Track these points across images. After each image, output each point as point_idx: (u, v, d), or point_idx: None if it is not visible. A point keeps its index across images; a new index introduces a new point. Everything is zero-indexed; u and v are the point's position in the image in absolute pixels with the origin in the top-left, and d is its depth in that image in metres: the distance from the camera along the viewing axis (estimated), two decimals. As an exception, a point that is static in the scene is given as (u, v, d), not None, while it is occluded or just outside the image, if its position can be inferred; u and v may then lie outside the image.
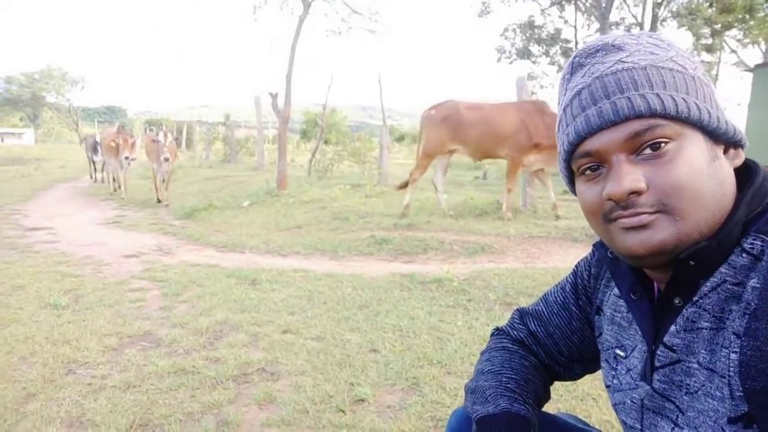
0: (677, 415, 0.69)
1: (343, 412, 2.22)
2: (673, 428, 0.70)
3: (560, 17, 19.57)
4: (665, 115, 0.64)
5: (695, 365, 0.66)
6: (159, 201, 9.77)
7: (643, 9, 17.99)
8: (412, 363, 2.66)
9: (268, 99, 10.42)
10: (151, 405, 2.27)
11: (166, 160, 9.15)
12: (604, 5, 16.05)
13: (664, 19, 17.82)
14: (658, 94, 0.64)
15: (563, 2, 19.00)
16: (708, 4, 15.32)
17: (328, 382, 2.47)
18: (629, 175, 0.65)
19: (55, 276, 4.37)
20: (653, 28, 17.25)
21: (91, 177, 14.82)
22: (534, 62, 20.25)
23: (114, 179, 11.91)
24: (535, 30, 19.73)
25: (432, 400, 2.30)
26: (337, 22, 11.03)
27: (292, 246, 5.65)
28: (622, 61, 0.67)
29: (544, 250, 5.31)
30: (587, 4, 18.07)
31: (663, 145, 0.65)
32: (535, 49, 20.05)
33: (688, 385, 0.67)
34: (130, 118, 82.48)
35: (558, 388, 2.37)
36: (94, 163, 14.62)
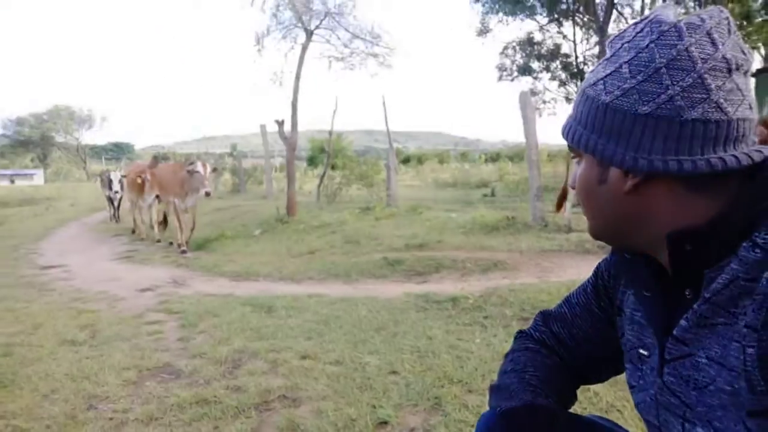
0: (684, 411, 0.69)
1: (367, 435, 2.20)
2: (683, 424, 0.69)
3: (559, 33, 19.77)
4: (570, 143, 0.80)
5: (704, 360, 0.66)
6: (184, 251, 7.82)
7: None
8: (433, 383, 2.64)
9: (274, 127, 10.54)
10: (175, 437, 2.26)
11: (208, 194, 7.73)
12: (602, 19, 16.22)
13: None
14: (570, 126, 0.79)
15: (561, 18, 19.21)
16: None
17: (350, 406, 2.45)
18: (571, 175, 0.85)
19: (71, 312, 4.40)
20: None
21: (112, 218, 13.63)
22: (535, 78, 20.39)
23: (139, 220, 10.20)
24: (535, 47, 19.91)
25: (455, 419, 2.28)
26: (339, 47, 11.19)
27: (305, 272, 5.67)
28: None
29: (557, 263, 5.28)
30: (585, 19, 18.26)
31: (577, 160, 0.81)
32: (535, 65, 20.21)
33: (696, 380, 0.67)
34: (137, 152, 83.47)
35: (581, 400, 2.35)
36: (111, 201, 13.72)
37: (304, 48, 10.56)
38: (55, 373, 3.03)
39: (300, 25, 10.63)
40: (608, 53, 0.74)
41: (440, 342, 3.22)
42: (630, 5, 18.10)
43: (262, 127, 14.81)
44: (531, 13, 18.92)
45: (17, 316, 4.32)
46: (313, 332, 3.56)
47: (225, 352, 3.23)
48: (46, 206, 20.07)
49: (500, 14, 18.82)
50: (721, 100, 0.64)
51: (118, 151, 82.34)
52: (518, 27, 19.64)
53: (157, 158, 11.72)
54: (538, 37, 19.82)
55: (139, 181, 9.22)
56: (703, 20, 0.65)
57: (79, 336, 3.67)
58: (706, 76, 0.64)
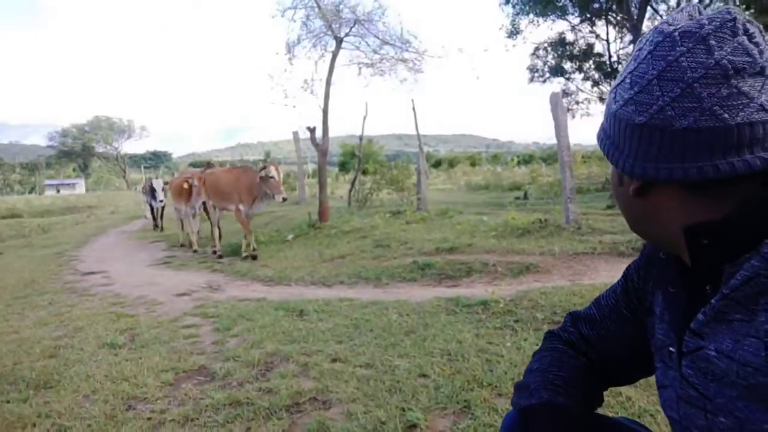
0: (705, 403, 0.69)
1: (396, 438, 2.22)
2: (705, 415, 0.70)
3: (591, 32, 19.43)
4: None
5: (713, 353, 0.67)
6: (255, 257, 7.54)
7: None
8: (462, 386, 2.64)
9: (306, 134, 10.67)
10: (209, 437, 2.32)
11: (284, 200, 7.40)
12: (636, 17, 15.89)
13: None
14: (599, 134, 0.83)
15: (594, 18, 18.88)
16: (744, 6, 14.95)
17: (380, 409, 2.47)
18: None
19: (111, 317, 4.55)
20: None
21: (155, 227, 13.17)
22: (568, 78, 20.08)
23: (189, 230, 9.45)
24: (567, 47, 19.62)
25: (484, 422, 2.27)
26: (369, 54, 11.25)
27: (336, 276, 5.72)
28: None
29: (590, 266, 5.20)
30: (618, 18, 17.92)
31: None
32: (567, 65, 19.90)
33: (714, 372, 0.67)
34: (174, 161, 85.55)
35: (613, 404, 2.32)
36: (152, 209, 13.23)
37: (334, 55, 10.67)
38: (96, 374, 3.14)
39: (330, 33, 10.74)
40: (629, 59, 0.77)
41: (470, 345, 3.21)
42: (665, 1, 17.66)
43: (295, 133, 15.00)
44: (562, 13, 18.65)
45: (61, 320, 4.50)
46: (343, 336, 3.60)
47: (258, 355, 3.29)
48: (87, 214, 20.80)
49: (531, 15, 18.60)
50: (716, 107, 0.64)
51: (156, 160, 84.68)
52: (549, 27, 19.24)
53: (212, 164, 10.89)
54: (570, 37, 19.51)
55: (186, 186, 8.82)
56: (701, 26, 0.66)
57: (119, 339, 3.79)
58: (695, 85, 0.65)
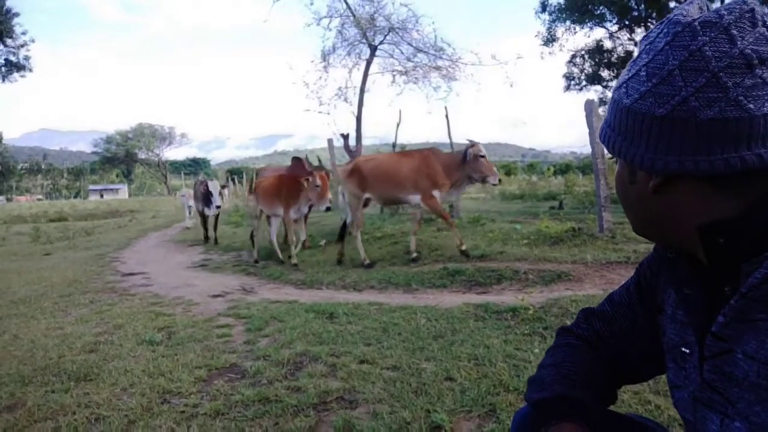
0: (727, 407, 0.67)
1: (420, 438, 2.24)
2: (722, 420, 0.68)
3: (630, 39, 19.10)
4: None
5: (740, 356, 0.65)
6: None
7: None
8: (488, 390, 2.64)
9: (340, 141, 10.81)
10: (239, 431, 2.39)
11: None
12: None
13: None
14: (604, 129, 0.83)
15: (633, 25, 18.57)
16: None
17: (405, 409, 2.50)
18: None
19: (149, 315, 4.70)
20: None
21: (207, 239, 11.02)
22: (605, 86, 19.77)
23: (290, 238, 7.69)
24: (604, 54, 19.34)
25: (509, 426, 2.27)
26: (403, 61, 11.35)
27: (366, 281, 5.77)
28: None
29: (623, 275, 5.10)
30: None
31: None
32: (605, 73, 19.60)
33: (737, 376, 0.66)
34: (213, 168, 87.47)
35: (641, 411, 2.29)
36: (204, 217, 11.01)
37: (369, 63, 10.82)
38: (134, 369, 3.26)
39: (364, 41, 10.88)
40: (635, 55, 0.77)
41: (497, 351, 3.21)
42: (708, 7, 17.24)
43: (329, 141, 15.19)
44: (600, 20, 18.42)
45: (102, 318, 4.67)
46: (372, 338, 3.64)
47: (287, 355, 3.36)
48: (129, 218, 21.46)
49: (567, 22, 18.42)
50: (741, 98, 0.63)
51: (196, 166, 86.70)
52: (586, 35, 18.99)
53: (302, 160, 8.50)
54: (607, 44, 19.24)
55: (308, 182, 7.01)
56: (721, 16, 0.65)
57: (156, 337, 3.92)
58: (721, 74, 0.63)
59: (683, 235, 0.74)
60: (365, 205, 7.24)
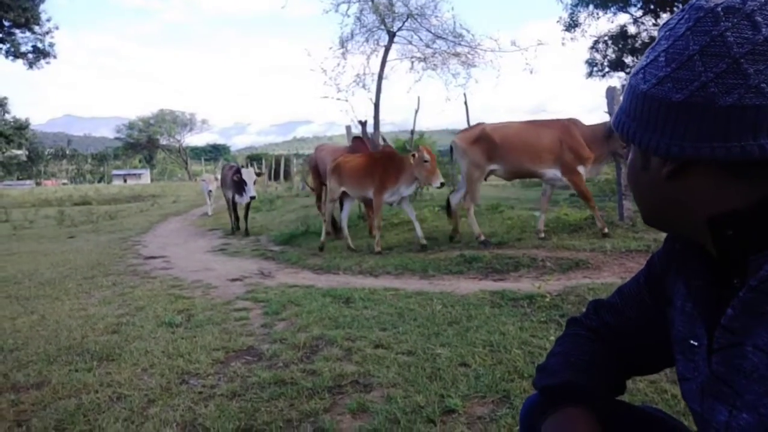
0: (735, 399, 0.67)
1: (433, 422, 2.26)
2: (731, 411, 0.68)
3: (655, 25, 18.66)
4: None
5: (750, 348, 0.65)
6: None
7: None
8: (503, 376, 2.65)
9: (358, 128, 10.79)
10: (255, 412, 2.44)
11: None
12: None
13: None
14: (617, 114, 0.80)
15: (658, 9, 18.13)
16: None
17: (419, 394, 2.52)
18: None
19: (170, 298, 4.79)
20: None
21: (237, 229, 10.14)
22: (628, 73, 19.38)
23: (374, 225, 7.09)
24: (628, 40, 18.94)
25: (523, 412, 2.28)
26: (421, 48, 11.25)
27: (383, 266, 5.79)
28: None
29: (643, 263, 5.02)
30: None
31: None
32: (629, 59, 19.21)
33: (746, 368, 0.65)
34: (232, 154, 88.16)
35: (657, 402, 2.27)
36: (234, 205, 10.02)
37: (387, 49, 10.74)
38: (154, 350, 3.33)
39: (383, 27, 10.80)
40: (654, 42, 0.76)
41: (513, 338, 3.20)
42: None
43: (347, 128, 15.19)
44: (624, 5, 18.02)
45: (124, 300, 4.78)
46: (387, 323, 3.66)
47: (303, 339, 3.40)
48: (151, 203, 21.79)
49: (590, 7, 18.05)
50: (762, 85, 0.61)
51: (216, 152, 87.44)
52: (609, 20, 18.63)
53: (363, 138, 8.19)
54: (632, 30, 18.82)
55: (413, 158, 6.30)
56: (744, 2, 0.64)
57: (176, 319, 4.00)
58: (742, 61, 0.62)
59: (694, 224, 0.73)
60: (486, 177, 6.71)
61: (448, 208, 7.17)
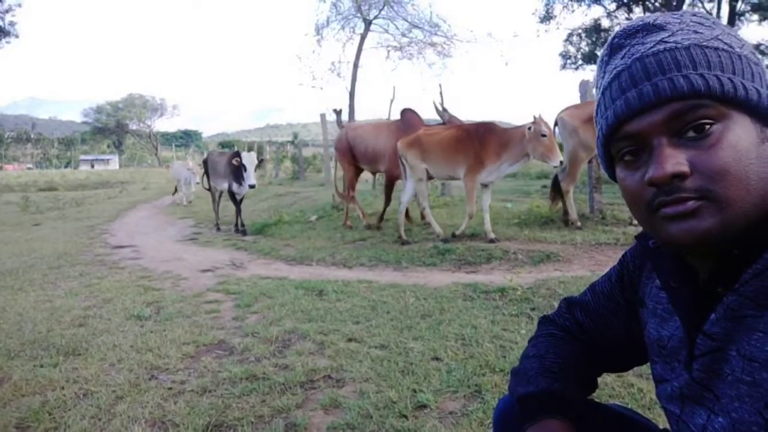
0: (714, 404, 0.67)
1: (405, 417, 2.27)
2: (709, 415, 0.68)
3: (627, 19, 18.92)
4: (710, 95, 0.62)
5: (734, 353, 0.64)
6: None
7: (719, 3, 17.08)
8: (474, 371, 2.67)
9: (333, 116, 10.72)
10: (226, 408, 2.41)
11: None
12: (674, 3, 15.40)
13: (742, 14, 16.85)
14: (702, 74, 0.62)
15: (631, 3, 18.38)
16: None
17: (392, 389, 2.52)
18: (672, 158, 0.63)
19: (138, 290, 4.70)
20: (731, 22, 16.35)
21: (237, 229, 8.51)
22: (601, 66, 19.63)
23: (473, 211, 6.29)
24: (602, 34, 19.17)
25: (494, 406, 2.30)
26: (398, 37, 11.20)
27: (357, 258, 5.78)
28: (663, 42, 0.65)
29: (612, 257, 5.14)
30: (657, 4, 17.40)
31: (707, 126, 0.62)
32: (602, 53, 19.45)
33: (725, 372, 0.65)
34: (204, 141, 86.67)
35: (624, 395, 2.32)
36: (231, 196, 8.60)
37: (363, 38, 10.67)
38: (122, 344, 3.27)
39: (359, 15, 10.71)
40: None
41: (485, 331, 3.24)
42: None
43: (322, 116, 15.06)
44: (598, -2, 18.22)
45: (91, 291, 4.67)
46: (360, 316, 3.66)
47: (276, 332, 3.38)
48: (119, 189, 21.30)
49: (566, 0, 18.20)
50: None
51: (187, 138, 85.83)
52: (584, 13, 18.85)
53: (413, 111, 7.43)
54: (605, 23, 19.06)
55: (528, 131, 5.60)
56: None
57: (145, 311, 3.93)
58: None
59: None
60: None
61: (555, 187, 6.71)
